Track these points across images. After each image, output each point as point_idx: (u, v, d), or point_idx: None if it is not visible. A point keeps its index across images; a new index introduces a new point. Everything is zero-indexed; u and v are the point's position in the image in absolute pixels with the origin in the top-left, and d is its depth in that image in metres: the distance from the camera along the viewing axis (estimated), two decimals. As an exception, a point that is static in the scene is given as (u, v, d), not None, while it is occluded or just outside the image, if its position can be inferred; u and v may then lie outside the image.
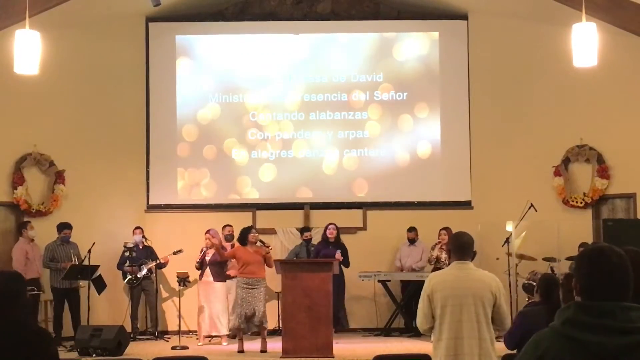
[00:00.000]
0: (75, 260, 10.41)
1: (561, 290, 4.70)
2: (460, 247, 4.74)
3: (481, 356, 4.54)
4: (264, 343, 9.43)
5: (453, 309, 4.56)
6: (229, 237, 10.74)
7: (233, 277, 10.21)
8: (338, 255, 10.24)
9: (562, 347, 2.29)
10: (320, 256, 10.22)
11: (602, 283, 2.34)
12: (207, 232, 10.41)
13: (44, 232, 10.67)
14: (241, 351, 9.33)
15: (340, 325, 10.52)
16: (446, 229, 10.63)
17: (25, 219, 10.91)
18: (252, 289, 9.43)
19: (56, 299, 10.52)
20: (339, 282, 10.33)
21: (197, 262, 10.36)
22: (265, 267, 9.63)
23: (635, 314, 2.29)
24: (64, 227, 10.64)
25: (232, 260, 10.03)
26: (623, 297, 2.33)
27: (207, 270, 10.30)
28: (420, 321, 4.73)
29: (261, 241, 9.80)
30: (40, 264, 10.51)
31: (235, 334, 9.76)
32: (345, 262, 10.46)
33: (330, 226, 10.50)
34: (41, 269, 10.52)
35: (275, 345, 9.38)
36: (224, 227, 11.00)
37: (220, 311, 10.21)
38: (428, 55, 12.12)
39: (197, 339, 10.47)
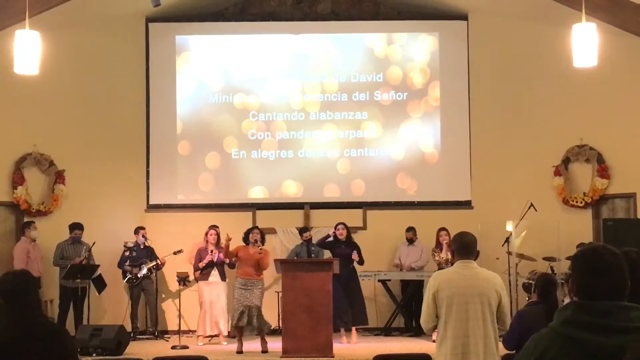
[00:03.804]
0: (85, 258, 10.39)
1: (567, 289, 4.71)
2: (464, 246, 4.75)
3: (486, 355, 4.55)
4: (264, 344, 9.43)
5: (459, 307, 4.55)
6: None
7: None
8: (355, 255, 10.23)
9: (562, 347, 2.29)
10: (334, 256, 10.12)
11: (598, 283, 2.34)
12: (214, 228, 10.32)
13: (44, 232, 10.68)
14: (240, 352, 9.32)
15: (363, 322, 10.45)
16: (444, 229, 10.60)
17: (26, 219, 10.91)
18: (246, 289, 9.43)
19: (63, 298, 10.52)
20: (354, 280, 10.35)
21: (204, 263, 10.29)
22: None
23: (634, 314, 2.29)
24: (75, 227, 10.67)
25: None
26: (619, 296, 2.33)
27: (215, 270, 10.29)
28: (425, 320, 4.71)
29: (255, 241, 9.74)
30: (41, 264, 10.50)
31: (234, 334, 9.76)
32: (361, 260, 10.45)
33: (339, 226, 10.44)
34: (42, 269, 10.50)
35: (275, 345, 9.38)
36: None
37: (223, 310, 10.21)
38: (428, 55, 12.11)
39: (197, 338, 10.46)
